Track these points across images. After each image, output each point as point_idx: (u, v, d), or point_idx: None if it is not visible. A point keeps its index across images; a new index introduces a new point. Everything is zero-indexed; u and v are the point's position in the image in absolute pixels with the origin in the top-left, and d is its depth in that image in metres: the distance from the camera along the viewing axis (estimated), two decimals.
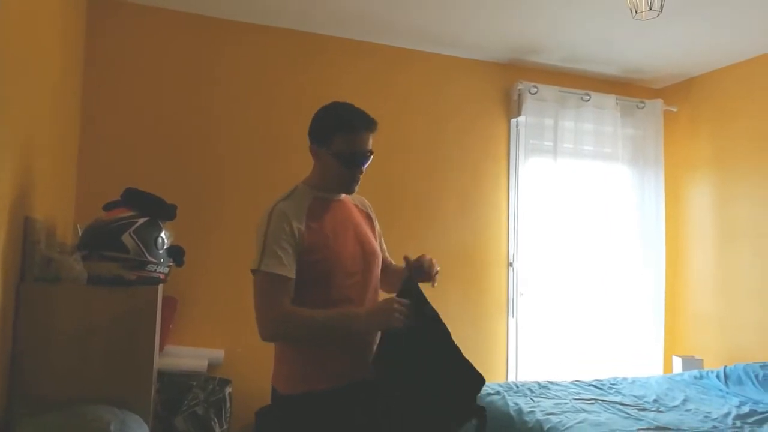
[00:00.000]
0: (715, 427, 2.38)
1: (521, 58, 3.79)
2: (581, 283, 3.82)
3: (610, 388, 2.95)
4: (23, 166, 1.88)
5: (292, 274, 1.53)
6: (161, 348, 2.74)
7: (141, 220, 1.84)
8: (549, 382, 2.99)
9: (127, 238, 1.79)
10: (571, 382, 3.02)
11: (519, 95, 3.81)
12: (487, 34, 3.44)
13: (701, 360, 3.65)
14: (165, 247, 1.89)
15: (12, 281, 1.73)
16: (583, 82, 3.99)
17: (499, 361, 3.73)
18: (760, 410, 2.59)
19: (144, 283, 1.83)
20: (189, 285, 2.99)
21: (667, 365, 3.87)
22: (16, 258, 1.79)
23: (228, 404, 2.83)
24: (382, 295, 1.69)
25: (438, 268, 1.71)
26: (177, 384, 2.72)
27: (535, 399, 2.67)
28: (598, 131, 3.94)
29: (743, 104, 3.67)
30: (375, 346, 1.60)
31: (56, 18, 2.32)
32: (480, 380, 1.58)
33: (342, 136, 1.60)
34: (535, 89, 3.77)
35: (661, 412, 2.57)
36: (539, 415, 2.41)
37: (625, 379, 3.14)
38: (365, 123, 1.62)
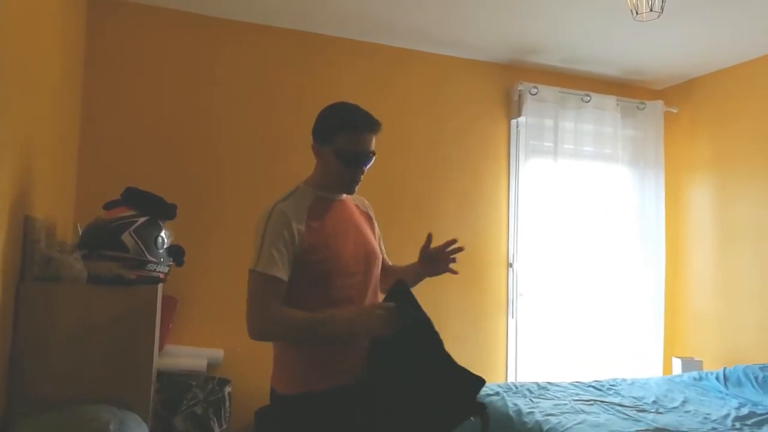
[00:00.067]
0: (714, 428, 2.38)
1: (521, 58, 3.79)
2: (581, 284, 3.82)
3: (610, 389, 2.95)
4: (23, 166, 1.88)
5: (285, 276, 1.53)
6: (161, 347, 2.74)
7: (141, 220, 1.84)
8: (548, 382, 2.99)
9: (127, 238, 1.79)
10: (571, 383, 3.02)
11: (519, 96, 3.81)
12: (487, 35, 3.44)
13: (701, 361, 3.65)
14: (165, 246, 1.89)
15: (12, 280, 1.73)
16: (583, 83, 3.99)
17: (498, 362, 3.73)
18: (759, 412, 2.59)
19: (144, 282, 1.83)
20: (189, 284, 2.99)
21: (667, 366, 3.87)
22: (16, 257, 1.79)
23: (227, 404, 2.83)
24: (382, 297, 1.69)
25: (452, 253, 1.72)
26: (176, 383, 2.72)
27: (534, 400, 2.67)
28: (599, 132, 3.94)
29: (744, 105, 3.67)
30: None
31: (56, 18, 2.32)
32: (480, 381, 1.56)
33: (345, 136, 1.60)
34: (536, 90, 3.77)
35: (660, 413, 2.57)
36: (538, 416, 2.41)
37: (624, 380, 3.14)
38: (369, 124, 1.62)
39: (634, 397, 2.80)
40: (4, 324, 1.67)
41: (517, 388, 2.86)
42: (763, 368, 3.03)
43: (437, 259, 1.79)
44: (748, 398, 2.80)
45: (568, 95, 3.87)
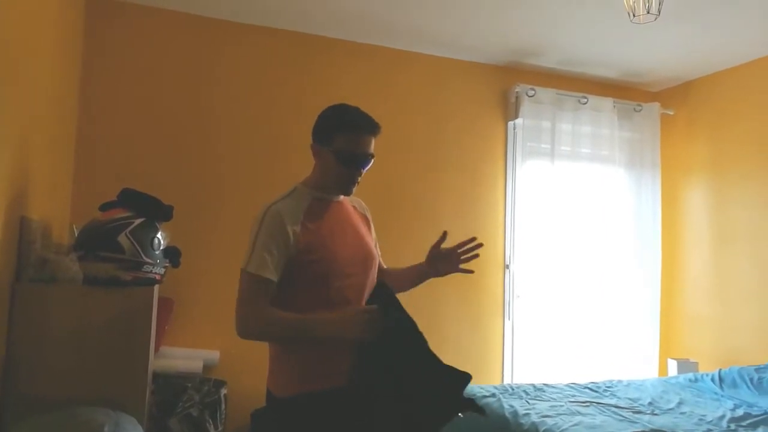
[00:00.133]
0: (709, 430, 2.38)
1: (519, 60, 3.79)
2: (577, 285, 3.83)
3: (606, 390, 2.95)
4: (19, 166, 1.87)
5: (276, 277, 1.54)
6: (156, 349, 2.73)
7: (137, 221, 1.83)
8: (544, 384, 2.99)
9: (123, 239, 1.79)
10: (567, 385, 3.02)
11: (516, 98, 3.82)
12: (485, 37, 3.45)
13: (696, 363, 3.66)
14: (161, 247, 1.89)
15: (7, 281, 1.72)
16: (580, 84, 4.00)
17: (494, 364, 3.73)
18: (754, 413, 2.60)
19: (140, 283, 1.83)
20: (185, 286, 2.98)
21: (663, 368, 3.88)
22: (12, 258, 1.78)
23: (223, 406, 2.83)
24: None
25: (465, 252, 1.74)
26: (172, 385, 2.72)
27: (530, 401, 2.67)
28: (596, 134, 3.95)
29: (740, 108, 3.68)
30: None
31: (53, 18, 2.32)
32: (466, 377, 1.54)
33: (344, 137, 1.61)
34: (533, 92, 3.77)
35: (656, 414, 2.57)
36: (534, 418, 2.41)
37: (620, 381, 3.14)
38: (368, 126, 1.63)
39: (630, 399, 2.80)
40: None
41: (513, 389, 2.86)
42: (758, 370, 3.04)
43: (447, 259, 1.78)
44: (743, 399, 2.81)
45: (565, 97, 3.88)
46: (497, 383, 3.45)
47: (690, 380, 3.16)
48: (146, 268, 1.83)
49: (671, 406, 2.72)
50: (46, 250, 1.95)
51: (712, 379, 3.08)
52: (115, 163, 3.02)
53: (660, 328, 3.95)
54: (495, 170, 3.85)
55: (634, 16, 2.36)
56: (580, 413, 2.52)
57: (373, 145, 1.65)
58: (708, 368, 3.47)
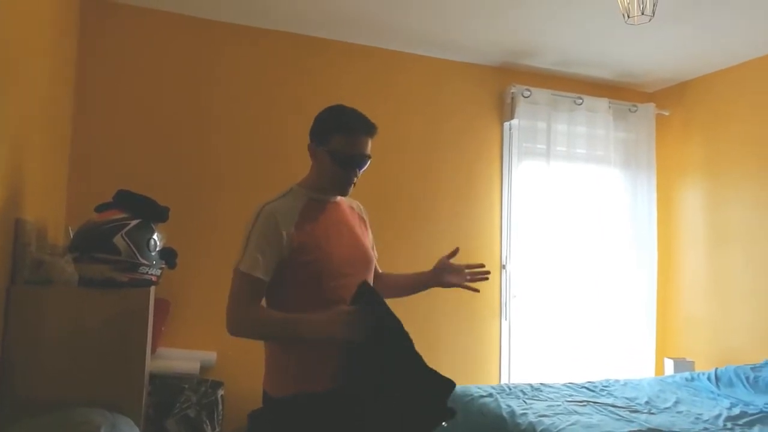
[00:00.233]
0: (706, 428, 2.39)
1: (515, 61, 3.80)
2: (574, 285, 3.84)
3: (603, 390, 2.96)
4: (14, 168, 1.86)
5: (267, 277, 1.56)
6: (153, 350, 2.73)
7: (133, 222, 1.83)
8: (542, 384, 3.00)
9: (119, 240, 1.78)
10: (564, 384, 3.03)
11: (512, 98, 3.83)
12: (481, 38, 3.46)
13: (693, 362, 3.67)
14: (157, 249, 1.89)
15: (2, 283, 1.72)
16: (575, 85, 4.01)
17: (491, 364, 3.73)
18: (750, 412, 2.61)
19: (136, 285, 1.82)
20: (181, 287, 2.98)
21: (659, 367, 3.89)
22: (7, 260, 1.77)
23: (220, 407, 2.82)
24: None
25: (473, 274, 1.78)
26: (169, 386, 2.71)
27: (527, 401, 2.68)
28: (591, 134, 3.96)
29: (735, 108, 3.70)
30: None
31: (48, 18, 2.31)
32: (449, 384, 1.53)
33: (341, 137, 1.62)
34: (528, 92, 3.78)
35: (652, 413, 2.58)
36: (532, 417, 2.42)
37: (617, 381, 3.15)
38: (365, 127, 1.63)
39: (627, 398, 2.81)
40: None
41: (510, 389, 2.86)
42: (754, 368, 3.05)
43: (453, 272, 1.82)
44: (739, 398, 2.82)
45: (560, 98, 3.89)
46: (494, 383, 3.45)
47: (686, 379, 3.17)
48: (142, 269, 1.83)
49: (668, 405, 2.73)
50: (42, 252, 1.94)
51: (709, 378, 3.09)
52: (111, 165, 3.02)
53: (656, 328, 3.96)
54: (491, 171, 3.86)
55: (628, 17, 2.37)
56: (577, 413, 2.53)
57: (369, 146, 1.66)
58: (704, 367, 3.48)
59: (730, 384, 3.00)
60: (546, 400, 2.71)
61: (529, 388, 2.91)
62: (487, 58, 3.78)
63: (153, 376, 2.62)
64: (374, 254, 1.80)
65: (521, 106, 3.78)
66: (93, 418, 1.58)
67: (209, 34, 3.28)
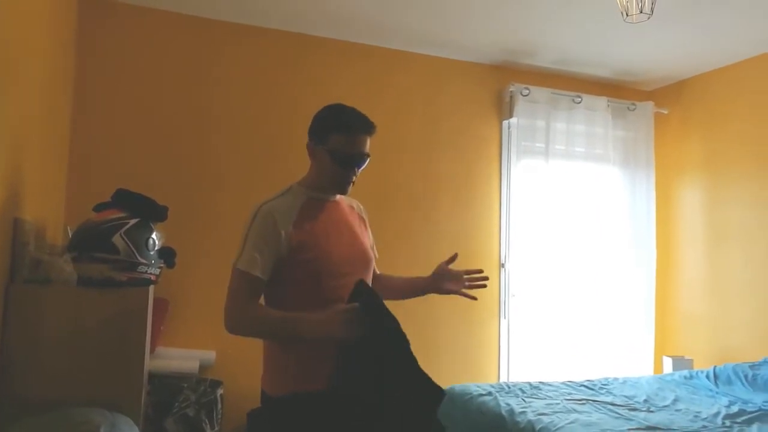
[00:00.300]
0: (704, 426, 2.39)
1: (514, 60, 3.80)
2: (573, 284, 3.84)
3: (602, 388, 2.96)
4: (13, 167, 1.86)
5: (265, 276, 1.56)
6: (152, 350, 2.73)
7: (132, 222, 1.83)
8: (540, 382, 3.00)
9: (117, 240, 1.78)
10: (563, 383, 3.03)
11: (511, 97, 3.83)
12: (479, 36, 3.45)
13: (691, 360, 3.68)
14: (156, 248, 1.88)
15: (1, 283, 1.71)
16: (574, 84, 4.01)
17: (491, 362, 3.74)
18: (749, 410, 2.61)
19: (135, 284, 1.82)
20: (180, 286, 2.98)
21: (658, 365, 3.89)
22: (5, 259, 1.77)
23: (219, 406, 2.82)
24: None
25: (472, 280, 1.77)
26: (168, 386, 2.71)
27: (526, 399, 2.68)
28: (590, 133, 3.97)
29: (733, 107, 3.70)
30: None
31: (46, 18, 2.31)
32: (441, 394, 1.52)
33: (339, 136, 1.62)
34: (527, 91, 3.78)
35: (651, 412, 2.58)
36: (531, 416, 2.42)
37: (616, 379, 3.15)
38: (363, 125, 1.63)
39: (626, 396, 2.81)
40: None
41: (509, 388, 2.87)
42: (752, 366, 3.05)
43: (454, 279, 1.82)
44: (738, 396, 2.83)
45: (559, 96, 3.89)
46: (493, 382, 3.45)
47: (685, 377, 3.17)
48: (141, 268, 1.83)
49: (666, 403, 2.74)
50: (40, 252, 1.94)
51: (707, 376, 3.10)
52: (110, 164, 3.01)
53: (655, 326, 3.97)
54: (490, 169, 3.86)
55: (627, 15, 2.37)
56: (576, 411, 2.53)
57: (368, 145, 1.66)
58: (703, 365, 3.48)
59: (729, 382, 3.00)
60: (545, 399, 2.71)
61: (528, 386, 2.91)
62: (486, 57, 3.78)
63: (152, 376, 2.62)
64: (374, 254, 1.80)
65: (520, 105, 3.78)
66: (92, 418, 1.58)
67: (208, 33, 3.27)
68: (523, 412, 2.46)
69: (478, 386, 2.83)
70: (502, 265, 3.81)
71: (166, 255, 1.93)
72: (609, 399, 2.75)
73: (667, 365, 3.67)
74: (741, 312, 3.54)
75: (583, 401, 2.69)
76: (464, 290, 1.84)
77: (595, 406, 2.62)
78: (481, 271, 1.85)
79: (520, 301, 3.74)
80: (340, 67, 3.52)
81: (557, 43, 3.52)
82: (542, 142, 3.85)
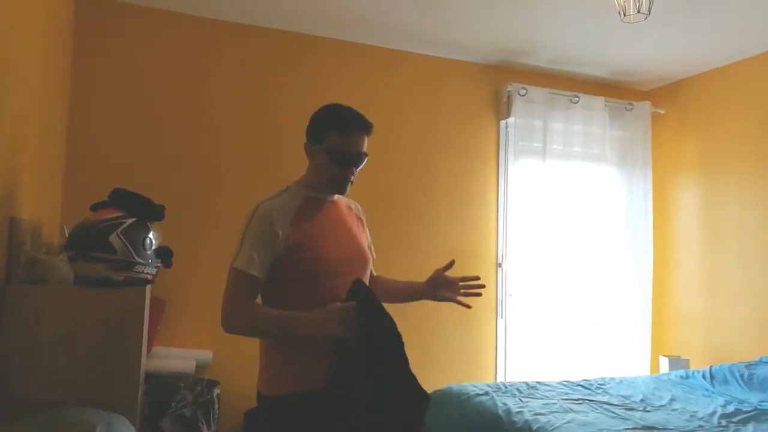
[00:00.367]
0: (701, 426, 2.40)
1: (511, 60, 3.80)
2: (570, 283, 3.85)
3: (598, 388, 2.96)
4: (9, 166, 1.86)
5: (262, 275, 1.56)
6: (149, 349, 2.72)
7: (129, 221, 1.82)
8: (537, 382, 3.00)
9: (114, 239, 1.78)
10: (560, 383, 3.03)
11: (508, 97, 3.83)
12: (477, 36, 3.46)
13: (687, 360, 3.69)
14: (153, 247, 1.88)
15: None
16: (572, 84, 4.02)
17: (487, 362, 3.74)
18: (745, 409, 2.62)
19: (132, 284, 1.82)
20: (177, 286, 2.97)
21: (654, 365, 3.91)
22: (2, 259, 1.76)
23: (216, 406, 2.82)
24: None
25: (467, 288, 1.78)
26: (165, 385, 2.71)
27: (523, 399, 2.68)
28: (587, 133, 3.97)
29: (730, 107, 3.71)
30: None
31: (42, 17, 2.30)
32: (425, 399, 1.53)
33: (336, 136, 1.62)
34: (525, 91, 3.79)
35: (647, 411, 2.59)
36: (528, 415, 2.42)
37: (612, 379, 3.15)
38: (361, 125, 1.64)
39: (622, 396, 2.82)
40: None
41: (506, 387, 2.87)
42: (748, 366, 3.06)
43: (449, 287, 1.82)
44: (734, 396, 2.83)
45: (556, 96, 3.90)
46: (490, 381, 3.46)
47: (681, 377, 3.18)
48: (138, 268, 1.82)
49: (663, 402, 2.74)
50: (37, 251, 1.93)
51: (703, 376, 3.10)
52: (106, 163, 3.00)
53: (651, 326, 3.98)
54: (487, 169, 3.86)
55: (624, 15, 2.37)
56: (572, 411, 2.53)
57: (365, 144, 1.66)
58: (699, 365, 3.50)
59: (725, 382, 3.01)
60: (542, 399, 2.71)
61: (525, 386, 2.91)
62: (484, 57, 3.78)
63: (149, 375, 2.62)
64: (372, 254, 1.80)
65: (517, 105, 3.79)
66: (89, 418, 1.58)
67: (207, 33, 3.26)
68: (520, 412, 2.46)
69: (475, 386, 2.83)
70: (500, 265, 3.81)
71: (163, 254, 1.93)
72: (606, 399, 2.76)
73: (664, 365, 3.68)
74: (737, 312, 3.55)
75: (580, 401, 2.69)
76: (459, 298, 1.83)
77: (591, 406, 2.62)
78: (477, 278, 1.85)
79: (517, 300, 3.75)
80: (337, 67, 3.51)
81: (554, 42, 3.52)
82: (539, 142, 3.86)
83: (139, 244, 1.82)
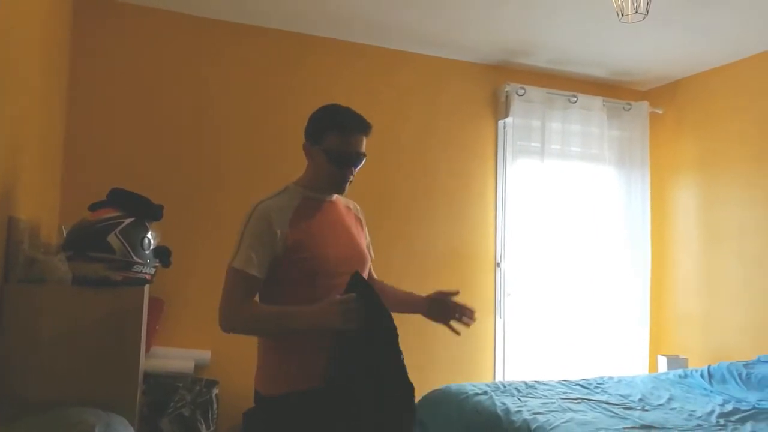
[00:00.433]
0: (699, 425, 2.40)
1: (509, 59, 3.81)
2: (568, 283, 3.85)
3: (597, 387, 2.97)
4: (7, 166, 1.86)
5: (260, 274, 1.56)
6: (147, 349, 2.72)
7: (127, 221, 1.82)
8: (536, 381, 3.01)
9: (113, 239, 1.78)
10: (558, 382, 3.03)
11: (507, 97, 3.83)
12: (475, 36, 3.46)
13: (686, 359, 3.69)
14: (151, 247, 1.88)
15: None
16: (570, 83, 4.02)
17: (486, 361, 3.74)
18: (743, 408, 2.62)
19: (130, 284, 1.82)
20: (175, 286, 2.97)
21: (653, 364, 3.91)
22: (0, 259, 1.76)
23: (215, 405, 2.82)
24: None
25: (464, 317, 1.78)
26: (163, 385, 2.71)
27: (522, 399, 2.68)
28: (585, 132, 3.97)
29: (728, 107, 3.72)
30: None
31: (41, 17, 2.30)
32: (409, 387, 1.54)
33: (334, 136, 1.62)
34: (523, 91, 3.79)
35: (646, 410, 2.59)
36: (526, 415, 2.42)
37: (611, 378, 3.16)
38: (359, 125, 1.64)
39: (621, 395, 2.82)
40: None
41: (505, 387, 2.87)
42: (746, 365, 3.07)
43: (445, 310, 1.83)
44: (732, 395, 2.84)
45: (555, 96, 3.90)
46: (489, 381, 3.46)
47: (680, 376, 3.18)
48: (136, 268, 1.82)
49: (661, 401, 2.74)
50: (35, 251, 1.93)
51: (702, 375, 3.11)
52: (105, 163, 3.00)
53: (650, 325, 3.98)
54: (485, 169, 3.86)
55: (622, 15, 2.38)
56: (571, 410, 2.53)
57: (364, 145, 1.66)
58: (697, 364, 3.50)
59: (723, 381, 3.01)
60: (540, 398, 2.72)
61: (523, 385, 2.92)
62: (482, 57, 3.78)
63: (147, 375, 2.62)
64: (370, 255, 1.80)
65: (516, 104, 3.79)
66: (87, 418, 1.57)
67: (207, 33, 3.26)
68: (519, 411, 2.47)
69: (473, 385, 2.83)
70: (498, 265, 3.81)
71: (162, 254, 1.93)
72: (604, 398, 2.76)
73: (662, 364, 3.69)
74: (735, 311, 3.56)
75: (579, 400, 2.70)
76: (452, 323, 1.83)
77: (590, 405, 2.62)
78: (473, 312, 1.85)
79: (515, 300, 3.75)
80: (339, 67, 3.52)
81: (553, 43, 3.52)
82: (538, 142, 3.86)
83: (138, 244, 1.82)
